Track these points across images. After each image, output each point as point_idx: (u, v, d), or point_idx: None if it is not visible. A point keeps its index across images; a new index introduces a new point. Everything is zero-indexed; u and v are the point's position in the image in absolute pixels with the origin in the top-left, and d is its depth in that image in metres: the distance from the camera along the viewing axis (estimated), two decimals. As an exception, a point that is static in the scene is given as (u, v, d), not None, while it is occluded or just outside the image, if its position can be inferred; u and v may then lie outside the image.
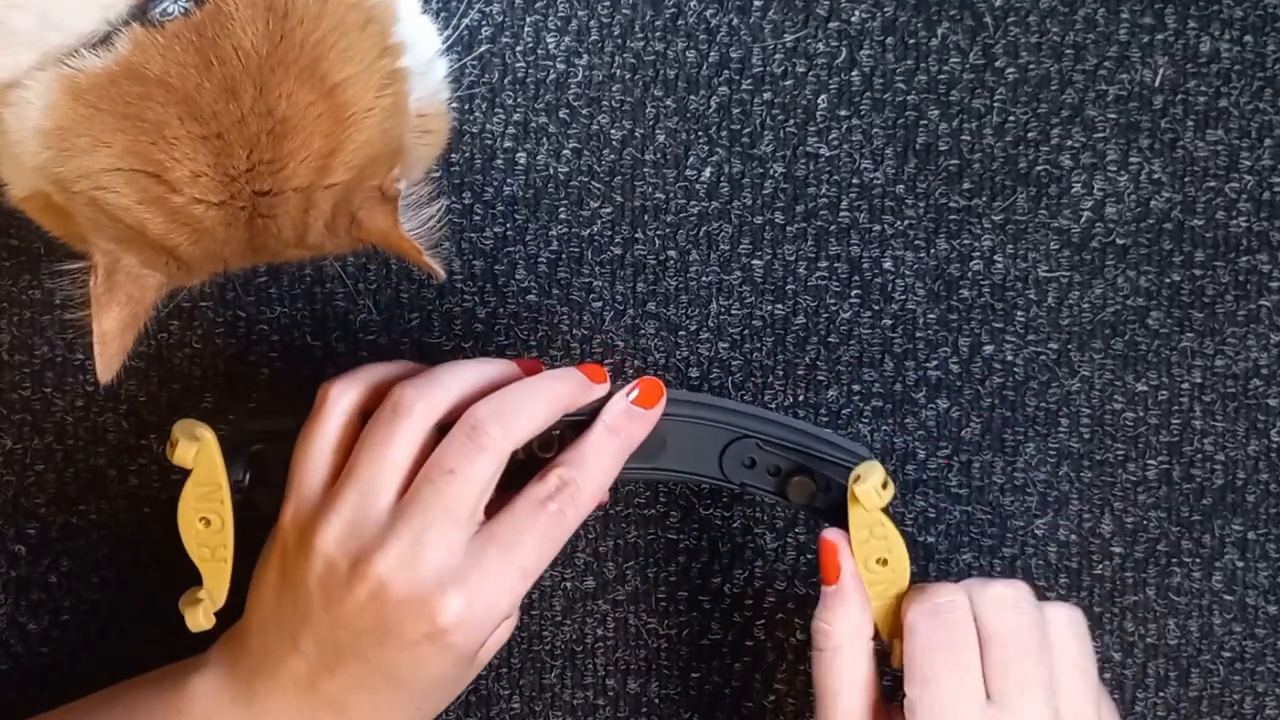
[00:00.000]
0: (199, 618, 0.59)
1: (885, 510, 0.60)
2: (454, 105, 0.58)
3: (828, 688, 0.58)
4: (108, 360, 0.52)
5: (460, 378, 0.58)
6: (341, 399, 0.58)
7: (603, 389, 0.60)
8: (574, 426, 0.60)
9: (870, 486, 0.59)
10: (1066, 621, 0.58)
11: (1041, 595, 0.69)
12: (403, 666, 0.55)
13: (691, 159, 0.68)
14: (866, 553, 0.60)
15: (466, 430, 0.55)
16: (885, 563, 0.59)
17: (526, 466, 0.58)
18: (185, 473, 0.59)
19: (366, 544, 0.54)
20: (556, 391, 0.58)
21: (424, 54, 0.56)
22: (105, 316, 0.52)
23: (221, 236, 0.52)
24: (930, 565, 0.69)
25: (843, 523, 0.61)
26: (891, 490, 0.60)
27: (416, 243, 0.54)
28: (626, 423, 0.58)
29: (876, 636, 0.60)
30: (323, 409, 0.58)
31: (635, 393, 0.59)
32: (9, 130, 0.50)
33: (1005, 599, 0.57)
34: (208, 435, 0.59)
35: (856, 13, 0.68)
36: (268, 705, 0.56)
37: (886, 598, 0.60)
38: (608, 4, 0.67)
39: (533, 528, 0.55)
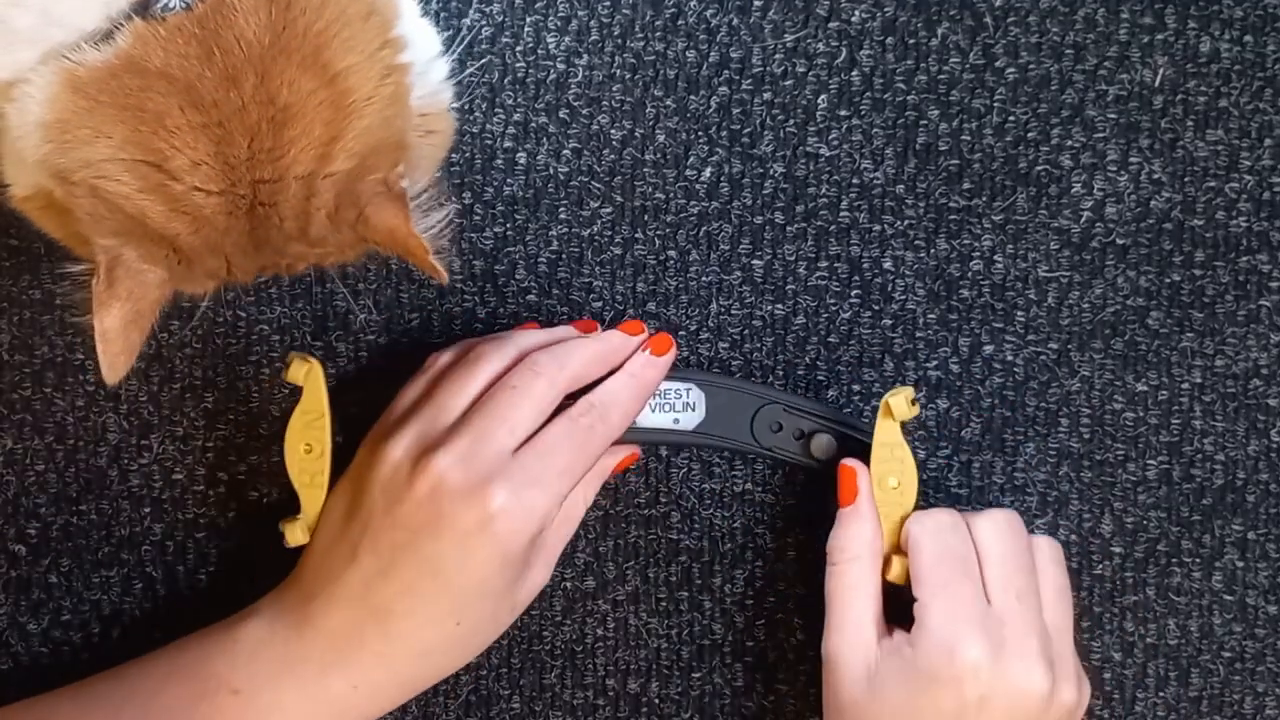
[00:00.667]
0: (297, 534, 0.62)
1: (906, 434, 0.64)
2: (456, 108, 0.58)
3: (840, 598, 0.63)
4: (111, 359, 0.52)
5: (533, 339, 0.64)
6: (439, 360, 0.64)
7: (638, 339, 0.65)
8: None
9: (901, 398, 0.64)
10: (1049, 550, 0.63)
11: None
12: (451, 561, 0.58)
13: (691, 159, 0.68)
14: (883, 471, 0.64)
15: (528, 364, 0.62)
16: (897, 486, 0.64)
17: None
18: (290, 405, 0.64)
19: (430, 445, 0.60)
20: (600, 349, 0.64)
21: (424, 54, 0.56)
22: (106, 314, 0.52)
23: (222, 226, 0.52)
24: (930, 565, 0.69)
25: None
26: (917, 408, 0.64)
27: (424, 242, 0.55)
28: (642, 369, 0.64)
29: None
30: (422, 369, 0.64)
31: (648, 348, 0.65)
32: (12, 126, 0.51)
33: (1000, 523, 0.62)
34: (317, 364, 0.63)
35: (856, 13, 0.68)
36: (318, 623, 0.60)
37: (892, 519, 0.64)
38: (608, 4, 0.68)
39: (567, 437, 0.61)
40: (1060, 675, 0.60)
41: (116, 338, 0.52)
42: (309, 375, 0.63)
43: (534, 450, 0.60)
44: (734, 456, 0.69)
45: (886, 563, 0.63)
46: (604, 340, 0.64)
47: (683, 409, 0.66)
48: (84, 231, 0.52)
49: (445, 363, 0.64)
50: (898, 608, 0.63)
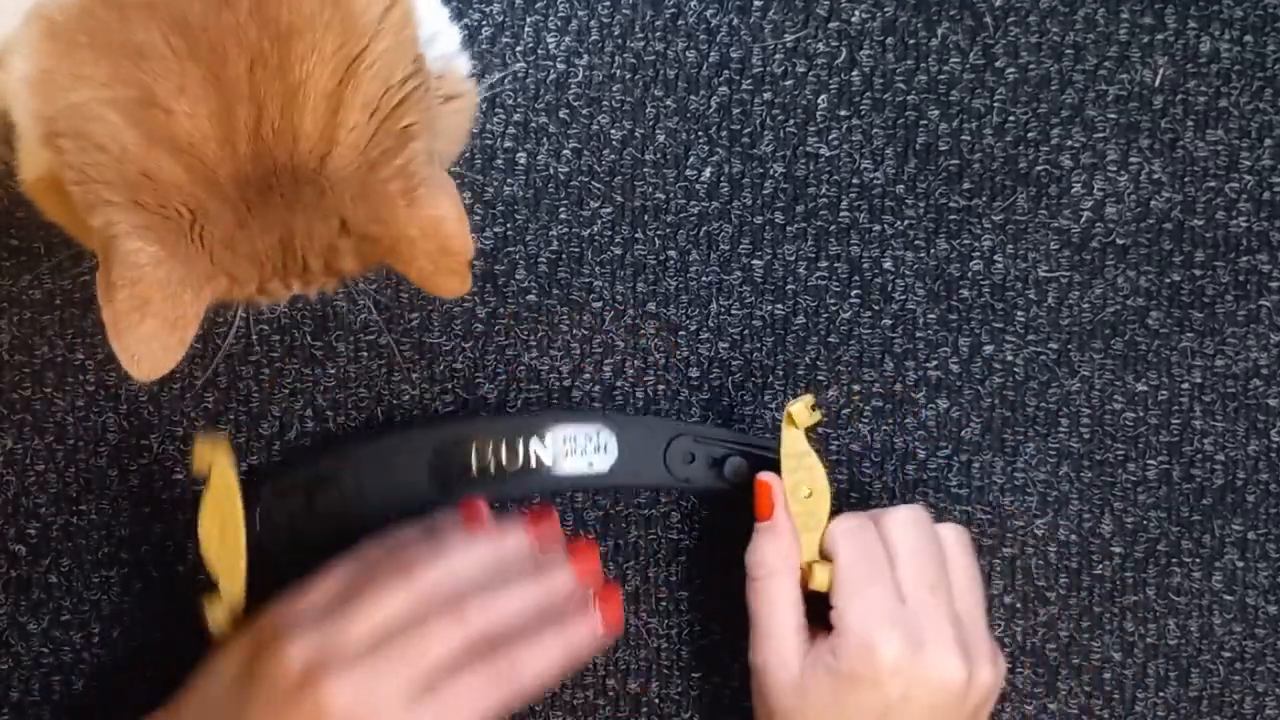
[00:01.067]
0: (218, 616, 0.61)
1: (812, 441, 0.64)
2: (476, 76, 0.58)
3: (762, 611, 0.64)
4: (129, 352, 0.49)
5: (474, 559, 0.60)
6: (369, 555, 0.61)
7: (587, 592, 0.61)
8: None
9: (802, 406, 0.64)
10: (955, 538, 0.64)
11: (1040, 595, 0.69)
12: None
13: (691, 159, 0.68)
14: (795, 481, 0.64)
15: (456, 604, 0.58)
16: (810, 495, 0.64)
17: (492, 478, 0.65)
18: (200, 491, 0.62)
19: (329, 660, 0.56)
20: (540, 598, 0.60)
21: (429, 25, 0.54)
22: (108, 302, 0.49)
23: (217, 158, 0.47)
24: (930, 565, 0.69)
25: None
26: (819, 415, 0.64)
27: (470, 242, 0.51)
28: (580, 640, 0.60)
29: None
30: (354, 556, 0.60)
31: (601, 619, 0.61)
32: (7, 95, 0.49)
33: (907, 520, 0.63)
34: (223, 445, 0.61)
35: (856, 13, 0.68)
36: None
37: (809, 528, 0.64)
38: (608, 4, 0.68)
39: (474, 695, 0.57)
40: (975, 659, 0.61)
41: (126, 329, 0.49)
42: (215, 455, 0.61)
43: (437, 701, 0.56)
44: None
45: (808, 572, 0.63)
46: (548, 586, 0.60)
47: (595, 451, 0.66)
48: (79, 207, 0.49)
49: (375, 559, 0.60)
50: (820, 613, 0.63)
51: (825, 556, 0.64)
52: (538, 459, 0.66)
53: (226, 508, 0.61)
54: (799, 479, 0.64)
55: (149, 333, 0.49)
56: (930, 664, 0.60)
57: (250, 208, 0.49)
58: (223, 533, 0.61)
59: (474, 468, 0.65)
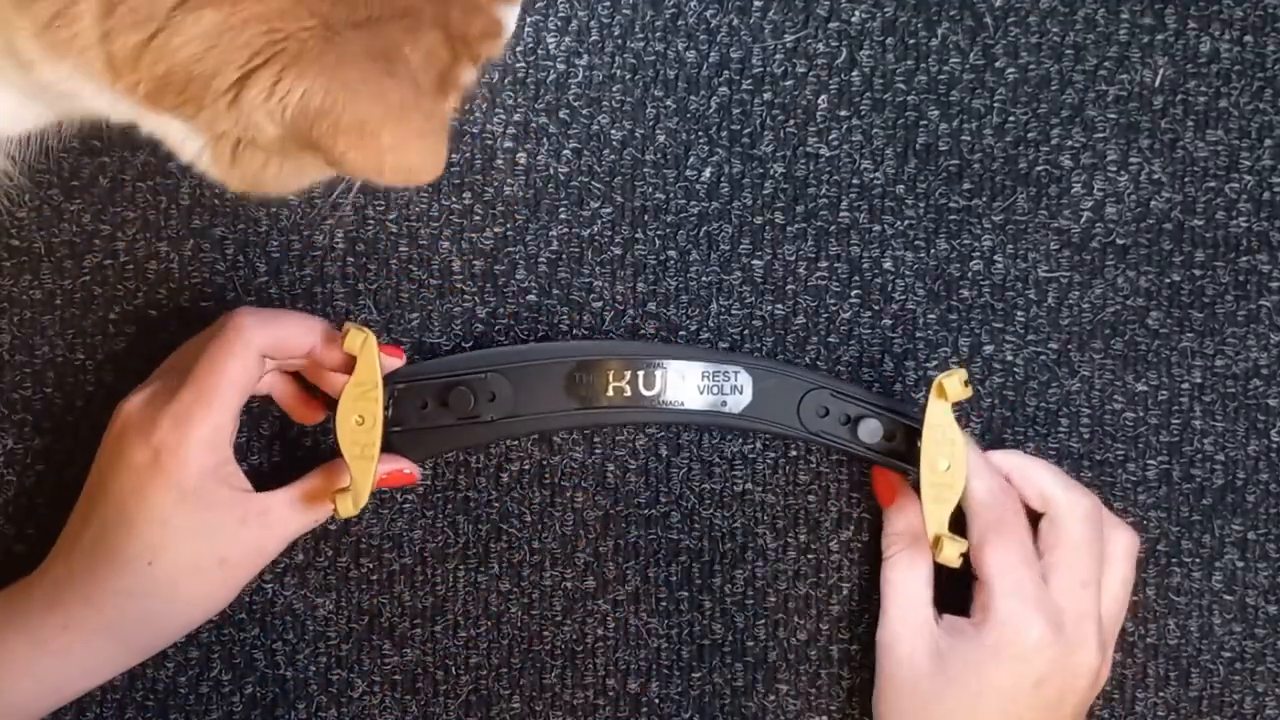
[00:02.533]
0: (348, 505, 0.62)
1: (958, 417, 0.64)
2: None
3: (894, 582, 0.66)
4: (398, 165, 0.47)
5: (295, 323, 0.64)
6: (231, 320, 0.64)
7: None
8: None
9: (955, 379, 0.63)
10: (1125, 543, 0.65)
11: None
12: (130, 498, 0.60)
13: (691, 159, 0.68)
14: (934, 454, 0.64)
15: (234, 323, 0.62)
16: (948, 468, 0.64)
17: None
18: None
19: (147, 405, 0.62)
20: (316, 324, 0.64)
21: None
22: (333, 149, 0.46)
23: None
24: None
25: (911, 463, 0.65)
26: (969, 390, 0.64)
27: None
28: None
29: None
30: (216, 325, 0.64)
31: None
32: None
33: (1086, 516, 0.64)
34: (371, 335, 0.62)
35: (856, 13, 0.68)
36: (45, 572, 0.63)
37: (943, 501, 0.64)
38: (608, 4, 0.68)
39: (222, 360, 0.62)
40: (1106, 658, 0.64)
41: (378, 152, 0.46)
42: (364, 346, 0.62)
43: (187, 384, 0.61)
44: (734, 456, 0.69)
45: (937, 544, 0.64)
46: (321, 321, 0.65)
47: (730, 392, 0.66)
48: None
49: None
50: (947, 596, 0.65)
51: (957, 531, 0.64)
52: (673, 391, 0.66)
53: (367, 401, 0.62)
54: (939, 451, 0.64)
55: (392, 142, 0.47)
56: (1071, 655, 0.62)
57: None
58: (361, 423, 0.62)
59: (610, 389, 0.66)
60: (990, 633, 0.62)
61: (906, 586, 0.65)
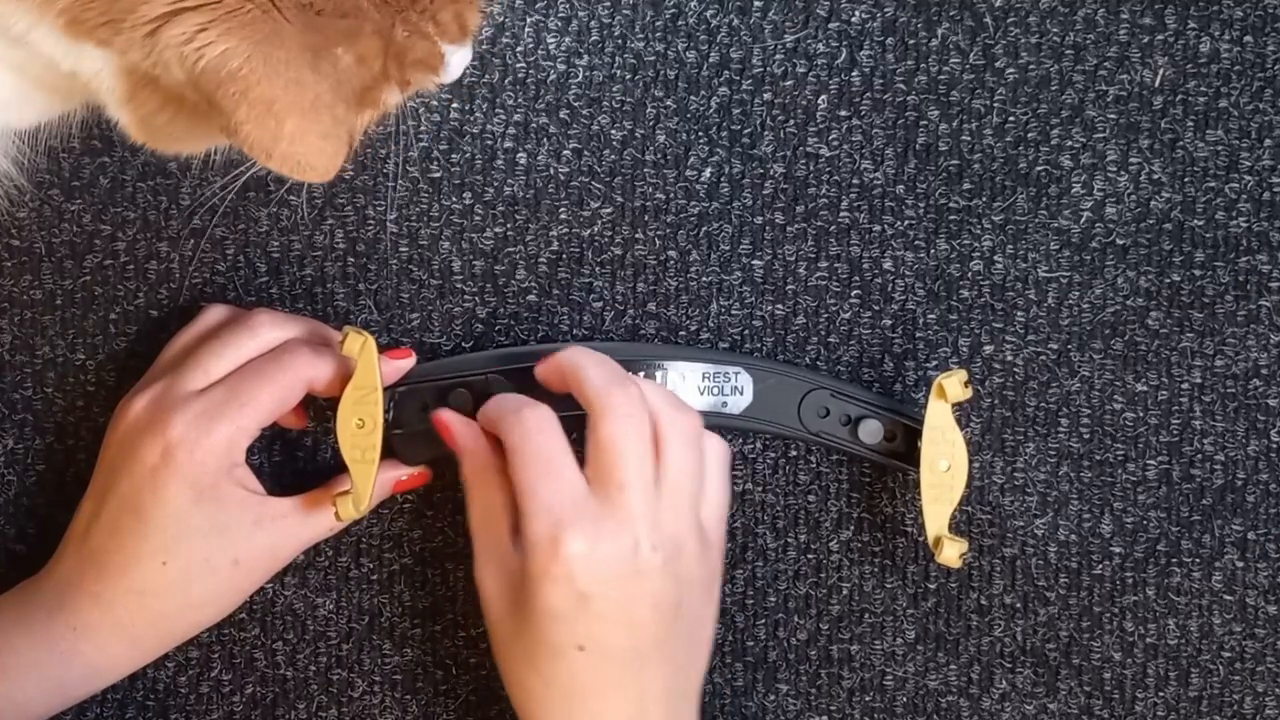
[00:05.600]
0: (349, 508, 0.62)
1: (958, 417, 0.65)
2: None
3: (474, 515, 0.62)
4: (288, 157, 0.47)
5: (300, 325, 0.65)
6: (209, 316, 0.66)
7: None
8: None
9: (955, 380, 0.64)
10: (716, 453, 0.62)
11: (1040, 595, 0.69)
12: (145, 496, 0.60)
13: (692, 159, 0.68)
14: (934, 454, 0.64)
15: (246, 320, 0.64)
16: (948, 469, 0.64)
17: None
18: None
19: (155, 403, 0.62)
20: (317, 329, 0.66)
21: None
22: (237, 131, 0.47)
23: None
24: (931, 565, 0.69)
25: (911, 464, 0.65)
26: (970, 391, 0.64)
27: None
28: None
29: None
30: (195, 321, 0.66)
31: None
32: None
33: (687, 439, 0.60)
34: (370, 339, 0.62)
35: (856, 13, 0.68)
36: (51, 572, 0.63)
37: (943, 501, 0.64)
38: (608, 4, 0.68)
39: (253, 373, 0.62)
40: (672, 553, 0.58)
41: (273, 141, 0.47)
42: (363, 349, 0.62)
43: (219, 385, 0.62)
44: (734, 456, 0.69)
45: (938, 545, 0.64)
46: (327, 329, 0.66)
47: (730, 392, 0.66)
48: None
49: (216, 321, 0.65)
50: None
51: (955, 532, 0.64)
52: (674, 391, 0.65)
53: (368, 404, 0.62)
54: (939, 451, 0.64)
55: (293, 131, 0.47)
56: (612, 557, 0.57)
57: None
58: (361, 426, 0.62)
59: None
60: (529, 557, 0.57)
61: (486, 524, 0.60)
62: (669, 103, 0.68)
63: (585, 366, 0.60)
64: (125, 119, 0.51)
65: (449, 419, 0.62)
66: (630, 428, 0.58)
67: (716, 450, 0.62)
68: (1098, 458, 0.69)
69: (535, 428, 0.59)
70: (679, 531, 0.59)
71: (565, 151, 0.68)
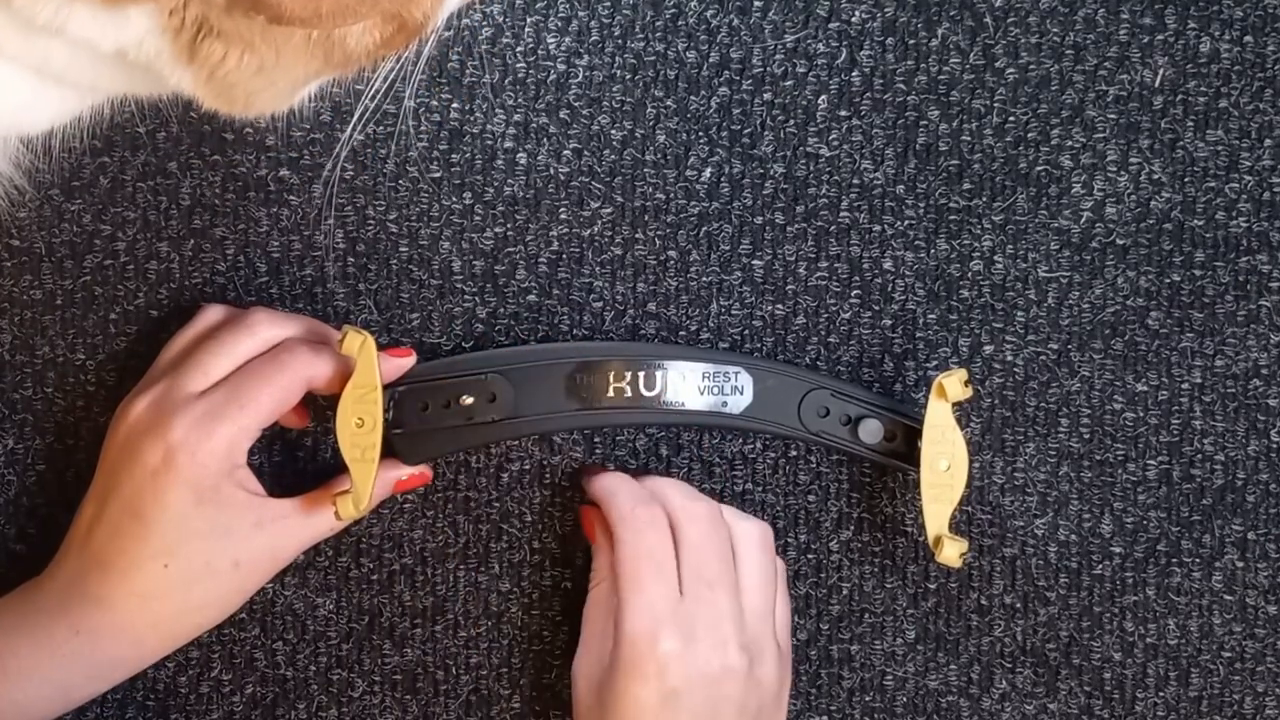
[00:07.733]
0: (349, 507, 0.62)
1: (958, 417, 0.65)
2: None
3: (594, 618, 0.65)
4: (232, 95, 0.48)
5: (298, 324, 0.66)
6: (207, 317, 0.66)
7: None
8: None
9: (955, 379, 0.64)
10: (756, 535, 0.65)
11: (1040, 595, 0.69)
12: (146, 499, 0.61)
13: (692, 159, 0.68)
14: (934, 454, 0.65)
15: (247, 322, 0.64)
16: (948, 468, 0.65)
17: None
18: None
19: (156, 405, 0.62)
20: (316, 327, 0.66)
21: None
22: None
23: None
24: (931, 565, 0.69)
25: (911, 463, 0.66)
26: (970, 390, 0.65)
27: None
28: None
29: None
30: (192, 322, 0.66)
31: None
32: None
33: (699, 515, 0.64)
34: (370, 339, 0.62)
35: (856, 13, 0.68)
36: (53, 575, 0.63)
37: (943, 501, 0.65)
38: (608, 4, 0.68)
39: (253, 374, 0.63)
40: (756, 656, 0.62)
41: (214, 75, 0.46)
42: (362, 349, 0.62)
43: (219, 387, 0.62)
44: (734, 456, 0.69)
45: (938, 544, 0.64)
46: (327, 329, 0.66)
47: (730, 392, 0.66)
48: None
49: (214, 321, 0.65)
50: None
51: (955, 532, 0.64)
52: (674, 392, 0.66)
53: (367, 403, 0.62)
54: (939, 451, 0.64)
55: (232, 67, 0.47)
56: (703, 657, 0.61)
57: None
58: (361, 425, 0.62)
59: (610, 389, 0.66)
60: (623, 652, 0.61)
61: (596, 618, 0.65)
62: (669, 103, 0.68)
63: (671, 485, 0.65)
64: (191, 82, 0.49)
65: (594, 517, 0.66)
66: (711, 528, 0.63)
67: (780, 563, 0.66)
68: (1098, 458, 0.69)
69: (648, 523, 0.63)
70: (760, 635, 0.63)
71: (565, 151, 0.68)
